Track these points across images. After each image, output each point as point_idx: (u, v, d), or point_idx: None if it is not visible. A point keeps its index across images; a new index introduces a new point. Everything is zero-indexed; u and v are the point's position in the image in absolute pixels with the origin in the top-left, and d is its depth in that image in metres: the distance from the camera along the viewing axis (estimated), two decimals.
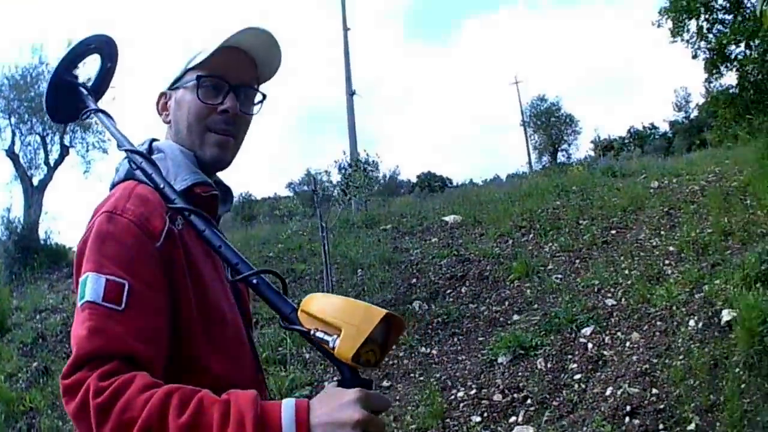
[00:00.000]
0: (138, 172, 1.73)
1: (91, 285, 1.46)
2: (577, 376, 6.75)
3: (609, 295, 8.33)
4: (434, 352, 8.16)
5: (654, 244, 9.74)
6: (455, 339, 8.38)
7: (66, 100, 2.00)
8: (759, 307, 6.12)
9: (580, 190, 14.20)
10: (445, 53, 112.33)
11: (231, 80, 1.85)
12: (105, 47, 2.08)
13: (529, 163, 45.94)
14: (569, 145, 46.93)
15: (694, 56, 16.92)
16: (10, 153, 19.45)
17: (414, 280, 10.37)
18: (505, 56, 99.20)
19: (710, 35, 16.33)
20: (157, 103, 1.96)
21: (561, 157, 44.70)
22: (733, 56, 16.30)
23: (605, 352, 7.04)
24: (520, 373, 7.03)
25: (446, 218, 13.75)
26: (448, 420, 6.48)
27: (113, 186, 1.77)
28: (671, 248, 9.28)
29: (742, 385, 5.64)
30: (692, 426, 5.43)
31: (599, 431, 5.73)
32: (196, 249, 1.69)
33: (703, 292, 7.39)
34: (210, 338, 1.64)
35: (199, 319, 1.63)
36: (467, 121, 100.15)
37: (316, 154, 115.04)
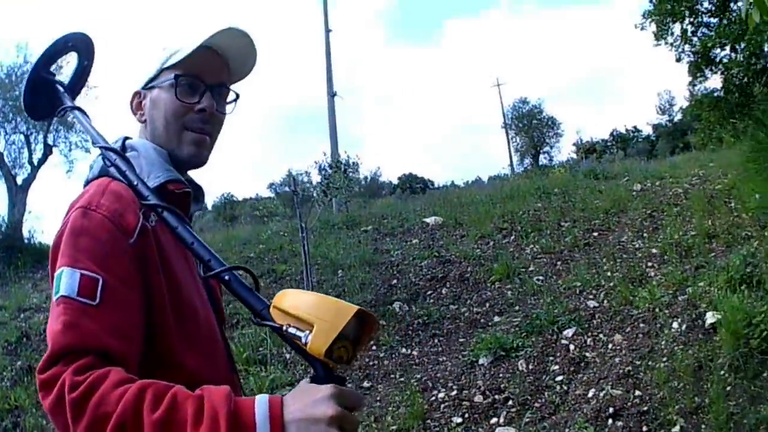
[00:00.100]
0: (112, 169, 1.74)
1: (66, 279, 1.47)
2: (559, 378, 6.68)
3: (591, 296, 8.28)
4: (415, 353, 8.08)
5: (636, 246, 9.72)
6: (436, 340, 8.31)
7: (43, 97, 2.01)
8: (744, 309, 6.08)
9: (561, 192, 14.25)
10: (427, 55, 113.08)
11: (207, 80, 1.88)
12: (82, 45, 2.10)
13: (511, 165, 46.24)
14: (551, 147, 47.29)
15: (678, 59, 17.05)
16: None
17: (394, 281, 10.30)
18: (488, 58, 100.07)
19: (695, 38, 16.43)
20: (131, 102, 1.95)
21: (543, 159, 45.01)
22: (718, 59, 16.41)
23: (587, 354, 6.98)
24: (501, 375, 6.95)
25: (427, 220, 13.73)
26: (429, 421, 6.40)
27: (87, 183, 1.78)
28: (654, 250, 9.25)
29: (728, 388, 5.59)
30: (677, 428, 5.35)
31: None
32: (169, 246, 1.69)
33: (686, 294, 7.36)
34: (184, 335, 1.65)
35: (173, 316, 1.63)
36: (449, 123, 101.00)
37: (299, 155, 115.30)
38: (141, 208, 1.63)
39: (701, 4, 16.11)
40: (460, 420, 6.34)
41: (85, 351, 1.38)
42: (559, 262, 9.89)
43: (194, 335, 1.69)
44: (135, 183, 1.67)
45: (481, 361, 7.27)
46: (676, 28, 16.62)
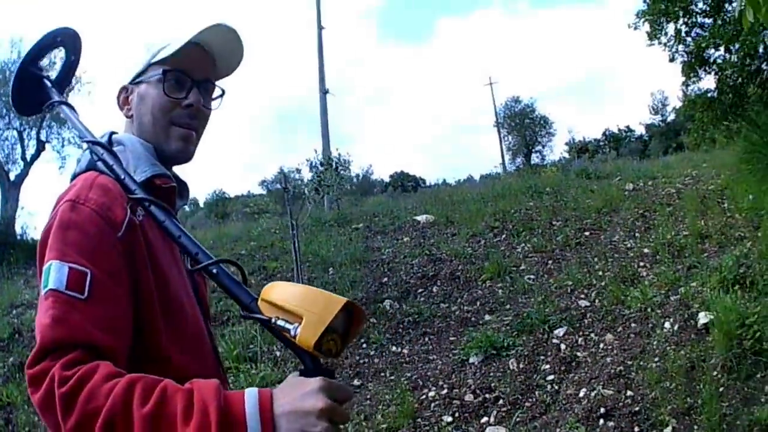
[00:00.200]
0: (99, 164, 1.74)
1: (54, 273, 1.46)
2: (550, 377, 6.65)
3: (582, 296, 8.27)
4: (405, 351, 8.04)
5: (628, 245, 9.73)
6: (426, 338, 8.27)
7: (31, 92, 2.01)
8: (737, 310, 6.09)
9: (553, 191, 14.27)
10: (420, 54, 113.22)
11: (194, 76, 1.89)
12: (69, 41, 2.09)
13: (503, 164, 46.31)
14: (543, 146, 47.36)
15: (672, 59, 17.06)
16: None
17: (385, 279, 10.26)
18: (480, 57, 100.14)
19: (689, 38, 16.43)
20: (118, 97, 1.96)
21: (535, 158, 45.10)
22: (711, 60, 16.42)
23: (578, 354, 6.96)
24: (491, 374, 6.92)
25: (418, 218, 13.71)
26: (419, 420, 6.36)
27: (74, 176, 1.79)
28: (646, 250, 9.26)
29: (720, 389, 5.57)
30: (669, 429, 5.32)
31: None
32: (156, 241, 1.69)
33: (678, 294, 7.36)
34: (171, 330, 1.64)
35: (160, 311, 1.62)
36: (441, 121, 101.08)
37: (291, 152, 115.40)
38: (128, 202, 1.63)
39: (695, 5, 16.14)
40: (450, 419, 6.30)
41: (74, 345, 1.37)
42: (550, 261, 9.87)
43: (181, 331, 1.68)
44: (122, 177, 1.67)
45: (471, 360, 7.23)
46: (670, 28, 16.67)
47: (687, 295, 7.18)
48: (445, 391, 6.76)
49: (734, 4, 11.87)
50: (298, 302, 1.39)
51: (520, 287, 9.06)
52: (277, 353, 8.19)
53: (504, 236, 11.49)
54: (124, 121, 1.94)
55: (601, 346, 6.97)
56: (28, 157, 20.29)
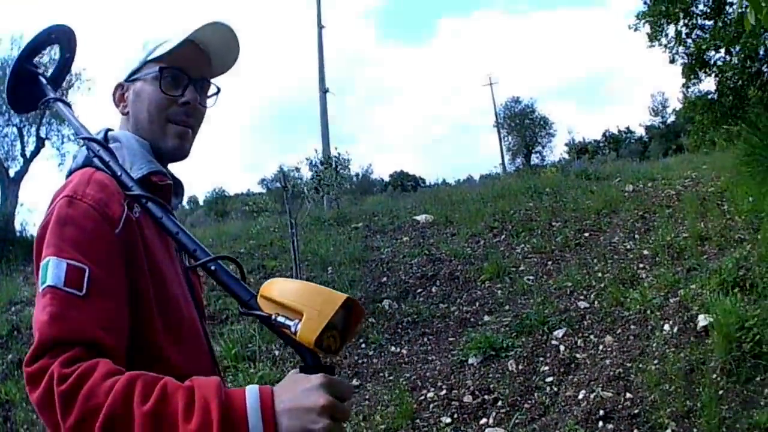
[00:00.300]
0: (96, 160, 1.73)
1: (52, 269, 1.46)
2: (549, 379, 6.64)
3: (582, 297, 8.25)
4: (404, 351, 8.03)
5: (628, 247, 9.71)
6: (425, 339, 8.27)
7: (27, 89, 2.01)
8: (736, 312, 6.06)
9: (553, 192, 14.26)
10: (420, 53, 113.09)
11: (191, 73, 1.90)
12: (64, 38, 2.09)
13: (503, 164, 46.28)
14: (543, 147, 47.30)
15: (672, 61, 17.03)
16: None
17: (384, 279, 10.26)
18: (480, 57, 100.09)
19: (689, 40, 16.41)
20: (114, 95, 1.97)
21: (535, 159, 45.05)
22: (712, 62, 16.39)
23: (578, 355, 6.94)
24: (490, 375, 6.91)
25: (418, 218, 13.69)
26: (417, 420, 6.35)
27: (71, 173, 1.77)
28: (646, 252, 9.24)
29: (720, 392, 5.55)
30: None
31: None
32: (152, 238, 1.70)
33: (678, 296, 7.33)
34: (167, 328, 1.64)
35: (157, 309, 1.63)
36: (441, 121, 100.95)
37: (291, 152, 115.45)
38: (125, 199, 1.63)
39: (696, 6, 16.12)
40: (449, 420, 6.29)
41: (72, 343, 1.37)
42: (549, 262, 9.86)
43: (177, 329, 1.68)
44: (119, 173, 1.66)
45: (470, 361, 7.23)
46: (671, 29, 16.65)
47: (686, 298, 7.15)
48: (444, 391, 6.75)
49: (734, 6, 11.88)
50: (298, 298, 1.39)
51: (520, 288, 9.05)
52: (276, 352, 8.18)
53: (503, 237, 11.48)
54: (120, 118, 1.94)
55: (601, 347, 6.96)
56: (28, 154, 20.33)
